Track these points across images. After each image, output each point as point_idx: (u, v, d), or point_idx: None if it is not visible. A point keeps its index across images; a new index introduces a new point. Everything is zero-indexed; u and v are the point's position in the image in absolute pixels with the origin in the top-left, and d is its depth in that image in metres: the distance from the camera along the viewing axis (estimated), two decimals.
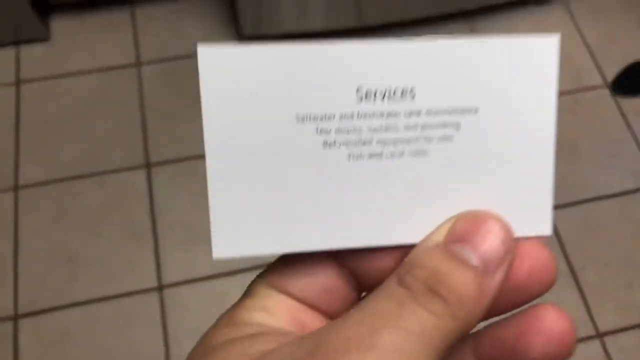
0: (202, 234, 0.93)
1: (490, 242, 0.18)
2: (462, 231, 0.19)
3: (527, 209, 0.20)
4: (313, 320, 0.20)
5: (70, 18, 1.13)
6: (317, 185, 0.19)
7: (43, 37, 1.10)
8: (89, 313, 0.87)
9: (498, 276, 0.18)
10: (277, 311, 0.19)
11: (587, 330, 0.93)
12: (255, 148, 0.19)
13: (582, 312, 0.94)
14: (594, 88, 1.12)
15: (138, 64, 1.09)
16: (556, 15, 1.20)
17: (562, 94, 1.10)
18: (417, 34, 1.15)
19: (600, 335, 0.92)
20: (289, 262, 0.20)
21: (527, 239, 0.19)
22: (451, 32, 1.16)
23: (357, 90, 0.19)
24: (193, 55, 1.10)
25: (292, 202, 0.19)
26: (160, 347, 0.86)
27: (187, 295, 0.89)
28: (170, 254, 0.92)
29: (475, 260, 0.18)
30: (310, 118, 0.19)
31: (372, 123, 0.19)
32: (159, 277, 0.90)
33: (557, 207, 1.02)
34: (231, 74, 0.18)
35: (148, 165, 0.99)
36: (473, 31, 1.17)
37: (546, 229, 0.20)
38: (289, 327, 0.19)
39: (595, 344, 0.92)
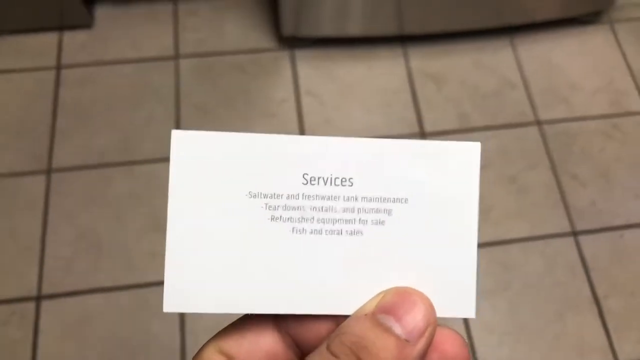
0: None
1: (413, 315, 0.20)
2: (388, 304, 0.21)
3: (452, 292, 0.22)
4: None
5: (113, 7, 1.15)
6: (263, 254, 0.22)
7: (86, 24, 1.12)
8: (110, 300, 0.89)
9: (419, 346, 0.20)
10: None
11: (605, 359, 0.91)
12: (211, 218, 0.22)
13: (602, 341, 0.92)
14: (634, 114, 1.09)
15: (176, 57, 1.10)
16: (600, 36, 1.18)
17: (600, 117, 1.08)
18: (456, 45, 1.14)
19: None
20: (237, 328, 0.22)
21: (443, 327, 0.22)
22: (492, 46, 1.15)
23: (304, 175, 0.22)
24: (231, 53, 1.11)
25: (239, 268, 0.21)
26: (176, 340, 0.87)
27: None
28: None
29: (398, 329, 0.20)
30: (261, 195, 0.22)
31: (315, 204, 0.22)
32: None
33: (584, 232, 1.01)
34: (197, 153, 0.22)
35: None
36: (513, 46, 1.15)
37: (470, 312, 0.22)
38: None
39: None
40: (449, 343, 0.21)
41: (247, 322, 0.22)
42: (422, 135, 1.06)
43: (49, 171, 0.98)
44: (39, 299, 0.89)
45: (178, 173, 0.22)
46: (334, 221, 0.22)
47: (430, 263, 0.22)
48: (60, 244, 0.93)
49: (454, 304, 0.22)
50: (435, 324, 0.21)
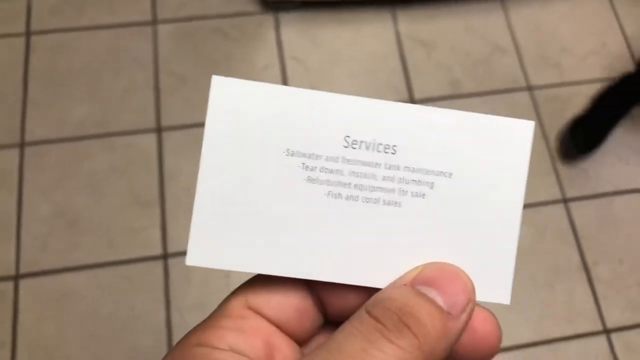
0: None
1: (455, 289, 0.20)
2: (429, 276, 0.20)
3: (489, 275, 0.21)
4: (281, 344, 0.21)
5: None
6: (297, 215, 0.21)
7: None
8: (90, 277, 0.86)
9: (461, 321, 0.19)
10: (251, 334, 0.20)
11: (594, 325, 0.91)
12: (245, 172, 0.21)
13: (590, 306, 0.92)
14: None
15: (154, 22, 1.05)
16: (594, 0, 1.14)
17: (592, 81, 1.06)
18: (446, 8, 1.10)
19: (607, 332, 0.90)
20: (264, 282, 0.21)
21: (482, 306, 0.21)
22: (483, 9, 1.11)
23: (345, 138, 0.21)
24: (212, 17, 1.06)
25: (271, 226, 0.21)
26: (162, 316, 0.84)
27: (192, 267, 0.87)
28: (177, 223, 0.90)
29: (440, 301, 0.19)
30: (299, 153, 0.21)
31: (354, 168, 0.21)
32: (164, 245, 0.88)
33: (574, 198, 1.00)
34: (236, 103, 0.21)
35: (159, 130, 0.96)
36: (504, 9, 1.11)
37: (505, 298, 0.21)
38: (258, 352, 0.20)
39: (601, 340, 0.90)
40: (480, 322, 0.21)
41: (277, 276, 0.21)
42: (411, 102, 1.03)
43: (22, 145, 0.94)
44: (17, 278, 0.86)
45: (214, 122, 0.21)
46: (372, 189, 0.21)
47: (469, 243, 0.21)
48: (36, 221, 0.89)
49: (489, 288, 0.21)
50: (475, 301, 0.20)
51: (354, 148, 0.21)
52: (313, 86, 1.02)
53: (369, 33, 1.08)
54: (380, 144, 0.21)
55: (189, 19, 1.05)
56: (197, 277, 0.87)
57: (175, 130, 0.96)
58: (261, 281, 0.21)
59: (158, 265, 0.87)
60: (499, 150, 0.21)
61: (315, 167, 0.21)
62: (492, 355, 0.21)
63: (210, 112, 0.21)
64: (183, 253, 0.88)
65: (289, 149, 0.21)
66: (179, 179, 0.93)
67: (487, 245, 0.21)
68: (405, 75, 1.05)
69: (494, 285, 0.21)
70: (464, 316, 0.19)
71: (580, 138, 1.00)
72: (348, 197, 0.21)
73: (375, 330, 0.18)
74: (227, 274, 0.87)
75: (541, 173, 1.00)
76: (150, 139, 0.95)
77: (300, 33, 1.06)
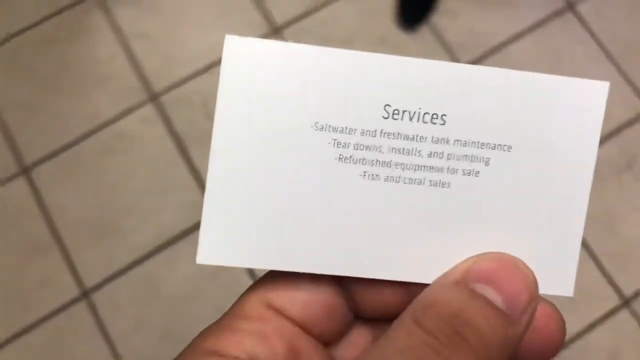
0: (108, 223, 0.85)
1: (516, 285, 0.17)
2: (485, 270, 0.17)
3: (551, 265, 0.18)
4: (308, 347, 0.18)
5: None
6: (325, 202, 0.18)
7: None
8: (20, 349, 0.82)
9: (523, 324, 0.17)
10: (274, 339, 0.17)
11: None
12: (265, 151, 0.18)
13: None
14: None
15: None
16: None
17: None
18: None
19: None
20: (287, 276, 0.18)
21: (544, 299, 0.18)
22: None
23: (385, 107, 0.18)
24: (29, 27, 0.95)
25: (294, 215, 0.18)
26: (106, 351, 0.81)
27: (115, 291, 0.83)
28: (83, 256, 0.85)
29: (499, 301, 0.16)
30: (329, 128, 0.18)
31: (395, 144, 0.18)
32: (80, 283, 0.83)
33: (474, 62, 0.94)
34: (254, 67, 0.17)
35: (25, 170, 0.88)
36: None
37: (569, 290, 0.19)
38: (282, 358, 0.17)
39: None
40: (543, 319, 0.18)
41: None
42: (277, 31, 0.95)
43: None
44: None
45: (229, 91, 0.17)
46: (416, 167, 0.18)
47: (529, 228, 0.18)
48: None
49: (551, 278, 0.18)
50: (538, 298, 0.17)
51: (394, 119, 0.18)
52: (168, 56, 0.94)
53: None
54: (427, 113, 0.18)
55: (5, 40, 0.95)
56: (124, 299, 0.83)
57: (42, 163, 0.88)
58: (283, 276, 0.18)
59: (82, 306, 0.83)
60: (567, 117, 0.18)
61: (349, 144, 0.18)
62: (554, 355, 0.18)
63: (223, 80, 0.17)
64: (102, 283, 0.85)
65: (317, 122, 0.18)
66: (66, 211, 0.86)
67: (549, 229, 0.18)
68: (260, 6, 0.96)
69: (556, 275, 0.18)
70: (525, 317, 0.17)
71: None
72: (387, 178, 0.18)
73: (427, 346, 0.15)
74: (152, 283, 0.83)
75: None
76: (20, 184, 0.87)
77: (133, 5, 0.96)
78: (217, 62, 0.90)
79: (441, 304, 0.16)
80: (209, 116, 0.89)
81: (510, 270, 0.17)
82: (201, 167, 0.88)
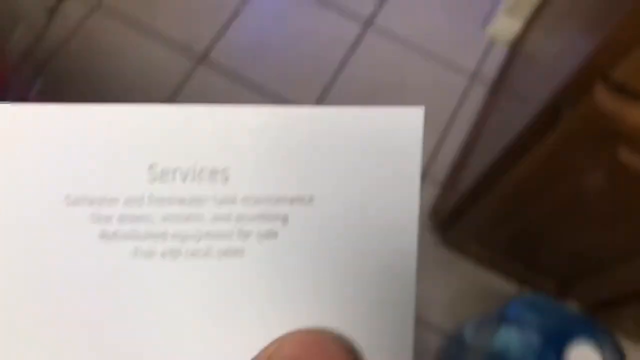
0: None
1: None
2: (290, 356, 0.14)
3: (382, 339, 0.15)
4: None
5: None
6: (87, 292, 0.14)
7: None
8: None
9: None
10: None
11: None
12: (10, 235, 0.14)
13: None
14: None
15: None
16: None
17: None
18: None
19: None
20: None
21: None
22: None
23: (150, 167, 0.15)
24: None
25: (47, 312, 0.14)
26: None
27: None
28: None
29: None
30: (85, 200, 0.14)
31: (169, 210, 0.15)
32: None
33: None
34: (9, 133, 0.14)
35: None
36: None
37: None
38: None
39: None
40: None
41: None
42: None
43: None
44: None
45: None
46: (200, 236, 0.15)
47: (349, 296, 0.15)
48: None
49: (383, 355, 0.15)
50: None
51: (163, 181, 0.15)
52: None
53: None
54: (205, 167, 0.15)
55: None
56: None
57: None
58: None
59: None
60: (380, 154, 0.15)
61: (111, 217, 0.15)
62: None
63: None
64: None
65: (69, 194, 0.15)
66: None
67: (376, 295, 0.15)
68: None
69: (390, 349, 0.15)
70: None
71: None
72: (165, 254, 0.15)
73: None
74: None
75: None
76: None
77: None
78: None
79: None
80: None
81: (317, 354, 0.14)
82: None
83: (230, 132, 0.15)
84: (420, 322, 0.83)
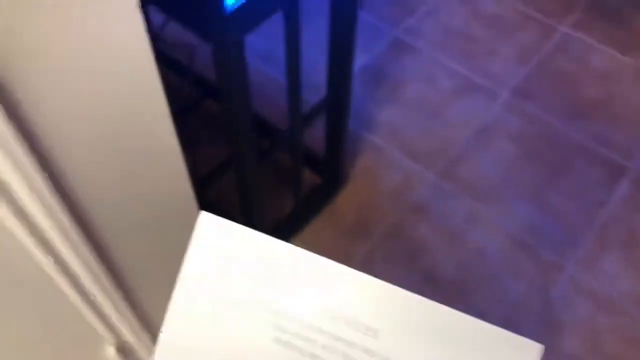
0: None
1: None
2: None
3: None
4: None
5: None
6: None
7: None
8: None
9: None
10: None
11: None
12: (212, 321, 0.19)
13: None
14: None
15: None
16: None
17: None
18: None
19: None
20: None
21: None
22: None
23: (325, 305, 0.18)
24: None
25: None
26: None
27: None
28: None
29: None
30: (272, 310, 0.18)
31: (328, 343, 0.18)
32: None
33: None
34: (220, 243, 0.18)
35: None
36: None
37: None
38: None
39: None
40: None
41: None
42: None
43: None
44: None
45: (195, 259, 0.19)
46: None
47: None
48: None
49: None
50: None
51: (333, 320, 0.18)
52: None
53: None
54: (362, 323, 0.18)
55: None
56: None
57: None
58: None
59: None
60: None
61: (288, 329, 0.19)
62: None
63: (193, 247, 0.19)
64: None
65: (262, 302, 0.19)
66: None
67: None
68: None
69: None
70: None
71: None
72: None
73: None
74: None
75: None
76: None
77: None
78: None
79: None
80: None
81: None
82: None
83: (387, 305, 0.18)
84: None
